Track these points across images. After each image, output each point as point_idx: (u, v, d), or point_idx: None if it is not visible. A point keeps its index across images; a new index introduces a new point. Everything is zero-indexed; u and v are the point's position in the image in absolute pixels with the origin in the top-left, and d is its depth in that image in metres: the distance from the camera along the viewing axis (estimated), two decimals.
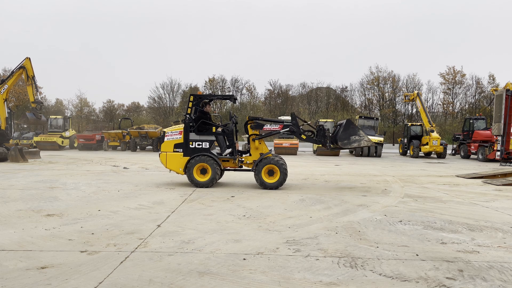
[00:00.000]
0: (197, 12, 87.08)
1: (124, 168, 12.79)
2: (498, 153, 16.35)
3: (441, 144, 21.79)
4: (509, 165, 15.75)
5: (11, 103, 42.19)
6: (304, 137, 8.74)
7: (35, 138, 26.24)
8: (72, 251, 3.81)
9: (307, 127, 9.34)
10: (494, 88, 21.44)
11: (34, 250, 3.83)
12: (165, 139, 8.62)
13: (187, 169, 8.31)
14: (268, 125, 8.64)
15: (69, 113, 48.77)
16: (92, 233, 4.47)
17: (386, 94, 48.29)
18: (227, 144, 8.66)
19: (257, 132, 8.56)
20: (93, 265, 3.42)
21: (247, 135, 8.74)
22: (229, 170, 8.83)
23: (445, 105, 47.61)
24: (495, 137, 16.91)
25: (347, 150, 27.09)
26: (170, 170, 8.74)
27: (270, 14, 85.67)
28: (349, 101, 51.04)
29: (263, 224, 5.03)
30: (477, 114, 30.84)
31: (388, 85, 48.05)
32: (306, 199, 7.05)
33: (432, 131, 22.13)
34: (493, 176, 11.11)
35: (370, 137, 23.69)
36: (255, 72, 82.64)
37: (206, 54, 79.17)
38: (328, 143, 8.65)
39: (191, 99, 8.55)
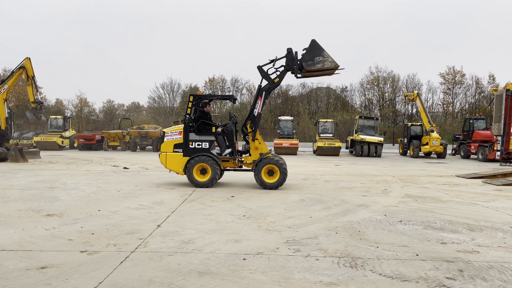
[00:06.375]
0: (200, 13, 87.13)
1: (124, 168, 12.79)
2: (498, 153, 16.35)
3: (441, 144, 21.81)
4: (509, 165, 15.75)
5: (11, 103, 42.16)
6: (277, 80, 8.43)
7: (35, 138, 26.26)
8: (72, 251, 3.81)
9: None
10: (494, 88, 21.44)
11: (34, 250, 3.83)
12: (165, 139, 8.61)
13: (187, 169, 8.31)
14: (256, 109, 8.48)
15: (69, 113, 48.66)
16: (92, 233, 4.47)
17: (386, 94, 48.25)
18: (227, 144, 8.65)
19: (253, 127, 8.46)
20: (93, 265, 3.41)
21: (246, 137, 8.66)
22: (229, 170, 8.82)
23: (445, 105, 47.55)
24: (495, 137, 16.91)
25: (347, 150, 27.09)
26: (170, 170, 8.74)
27: (271, 14, 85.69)
28: (349, 101, 50.96)
29: (263, 224, 5.03)
30: (477, 114, 30.84)
31: (388, 85, 47.99)
32: (306, 199, 7.04)
33: (432, 131, 22.13)
34: (493, 176, 11.10)
35: (370, 137, 23.69)
36: (255, 72, 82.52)
37: (206, 54, 79.18)
38: (296, 69, 8.32)
39: (191, 99, 8.54)
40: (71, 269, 3.31)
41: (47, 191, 7.52)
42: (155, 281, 3.06)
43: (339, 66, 8.21)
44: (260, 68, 8.48)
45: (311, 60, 8.13)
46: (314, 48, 8.17)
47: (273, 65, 8.46)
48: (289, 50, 8.36)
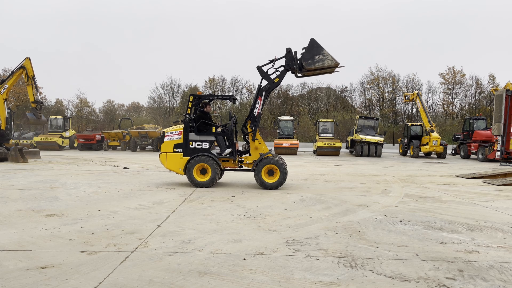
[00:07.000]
0: (200, 13, 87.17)
1: (124, 168, 12.79)
2: (498, 153, 16.35)
3: (441, 144, 21.81)
4: (509, 165, 15.74)
5: (11, 103, 42.15)
6: (277, 80, 8.39)
7: (35, 138, 26.27)
8: (72, 251, 3.81)
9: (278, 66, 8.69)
10: (494, 88, 21.44)
11: (34, 250, 3.83)
12: (165, 139, 8.61)
13: (187, 169, 8.31)
14: (256, 109, 8.46)
15: (69, 113, 48.66)
16: (92, 233, 4.47)
17: (386, 94, 48.23)
18: (227, 144, 8.65)
19: (253, 128, 8.45)
20: (93, 265, 3.41)
21: (246, 137, 8.65)
22: (229, 170, 8.82)
23: (445, 105, 47.52)
24: (495, 137, 16.91)
25: (347, 150, 27.08)
26: (170, 171, 8.74)
27: (271, 14, 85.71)
28: (349, 101, 50.93)
29: (263, 224, 5.03)
30: (477, 114, 30.83)
31: (388, 85, 47.96)
32: (306, 199, 7.04)
33: (432, 131, 22.14)
34: (493, 176, 11.10)
35: (370, 137, 23.67)
36: (255, 72, 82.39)
37: (206, 54, 79.21)
38: (296, 69, 8.31)
39: (191, 99, 8.54)
40: (71, 269, 3.31)
41: (47, 191, 7.52)
42: (155, 281, 3.06)
43: (339, 64, 8.21)
44: (259, 68, 8.47)
45: (311, 59, 8.12)
46: (314, 47, 8.16)
47: (273, 65, 8.46)
48: (289, 50, 8.36)
